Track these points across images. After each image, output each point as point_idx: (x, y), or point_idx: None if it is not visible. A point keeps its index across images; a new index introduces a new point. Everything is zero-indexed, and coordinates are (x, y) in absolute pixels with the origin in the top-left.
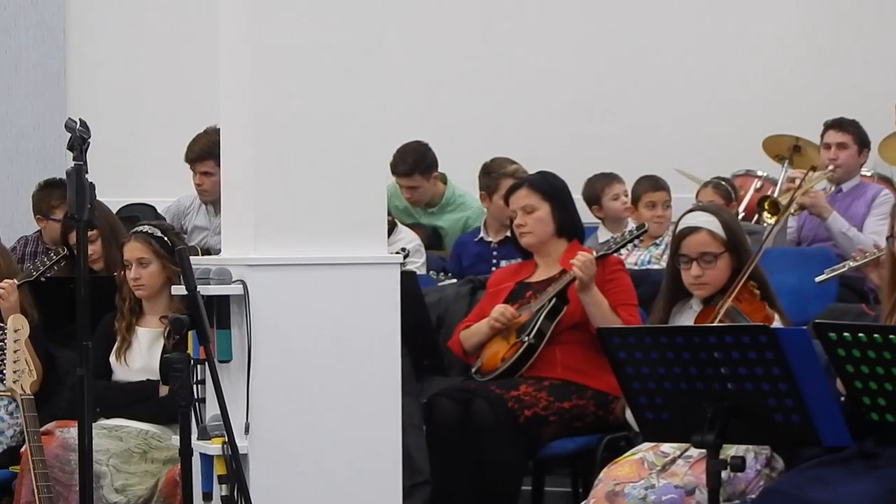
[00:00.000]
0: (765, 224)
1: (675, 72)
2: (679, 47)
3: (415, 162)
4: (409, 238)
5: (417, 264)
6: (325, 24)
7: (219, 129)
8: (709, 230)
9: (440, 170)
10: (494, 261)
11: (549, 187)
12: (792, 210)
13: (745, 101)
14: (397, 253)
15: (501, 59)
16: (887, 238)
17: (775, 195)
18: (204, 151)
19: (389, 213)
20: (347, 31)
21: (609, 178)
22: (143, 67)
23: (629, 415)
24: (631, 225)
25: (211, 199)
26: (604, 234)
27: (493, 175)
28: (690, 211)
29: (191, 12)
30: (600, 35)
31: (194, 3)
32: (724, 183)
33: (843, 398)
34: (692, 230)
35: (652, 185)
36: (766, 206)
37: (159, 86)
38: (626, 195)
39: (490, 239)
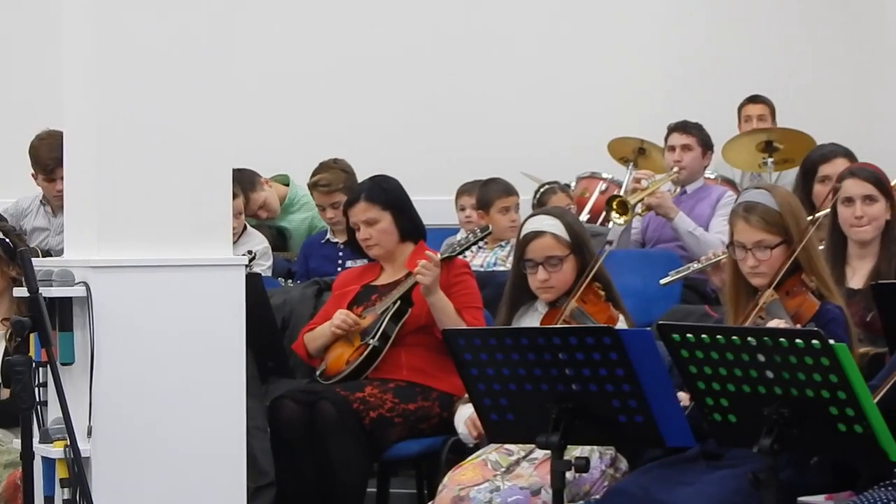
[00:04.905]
0: (612, 224)
1: (520, 74)
2: (524, 49)
3: (240, 187)
4: (257, 241)
5: (264, 267)
6: (171, 24)
7: (52, 133)
8: (553, 233)
9: (283, 171)
10: (340, 262)
11: (386, 195)
12: (639, 210)
13: (589, 104)
14: (243, 255)
15: (346, 59)
16: (727, 245)
17: (622, 194)
18: (58, 157)
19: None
20: (193, 31)
21: (506, 189)
22: None
23: (456, 423)
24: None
25: None
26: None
27: None
28: (533, 215)
29: (34, 10)
30: (444, 36)
31: (38, 1)
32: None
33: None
34: (537, 234)
35: (504, 189)
36: (615, 206)
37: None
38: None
39: (336, 240)
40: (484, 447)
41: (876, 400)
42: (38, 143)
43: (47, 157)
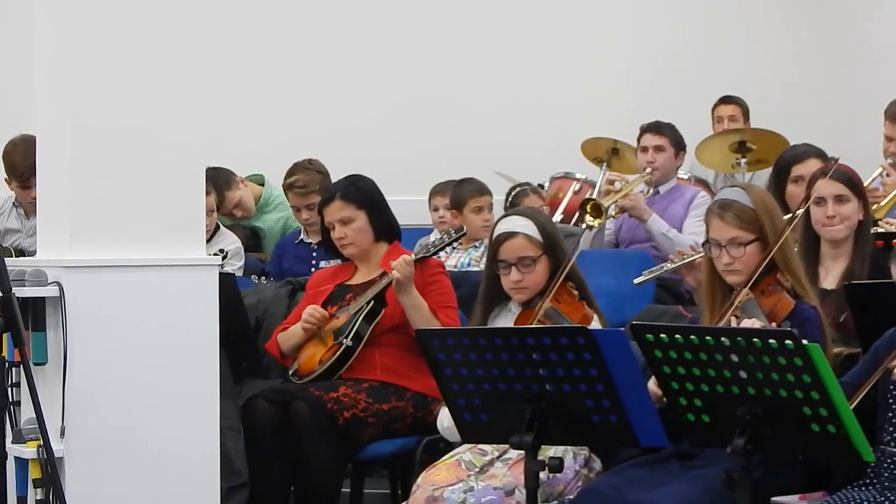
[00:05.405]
0: (586, 226)
1: (493, 74)
2: (498, 49)
3: (216, 186)
4: (229, 240)
5: (236, 267)
6: (144, 25)
7: (27, 138)
8: (525, 234)
9: (258, 171)
10: (314, 262)
11: (361, 194)
12: (612, 212)
13: (563, 105)
14: (216, 255)
15: (321, 59)
16: (703, 244)
17: (595, 197)
18: (33, 165)
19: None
20: (166, 32)
21: (479, 189)
22: None
23: (440, 422)
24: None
25: None
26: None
27: None
28: (506, 216)
29: (5, 12)
30: (418, 37)
31: (6, 2)
32: (527, 187)
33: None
34: (509, 235)
35: (478, 189)
36: (589, 209)
37: None
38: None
39: (310, 240)
40: (458, 447)
41: (852, 406)
42: (11, 149)
43: (22, 164)
